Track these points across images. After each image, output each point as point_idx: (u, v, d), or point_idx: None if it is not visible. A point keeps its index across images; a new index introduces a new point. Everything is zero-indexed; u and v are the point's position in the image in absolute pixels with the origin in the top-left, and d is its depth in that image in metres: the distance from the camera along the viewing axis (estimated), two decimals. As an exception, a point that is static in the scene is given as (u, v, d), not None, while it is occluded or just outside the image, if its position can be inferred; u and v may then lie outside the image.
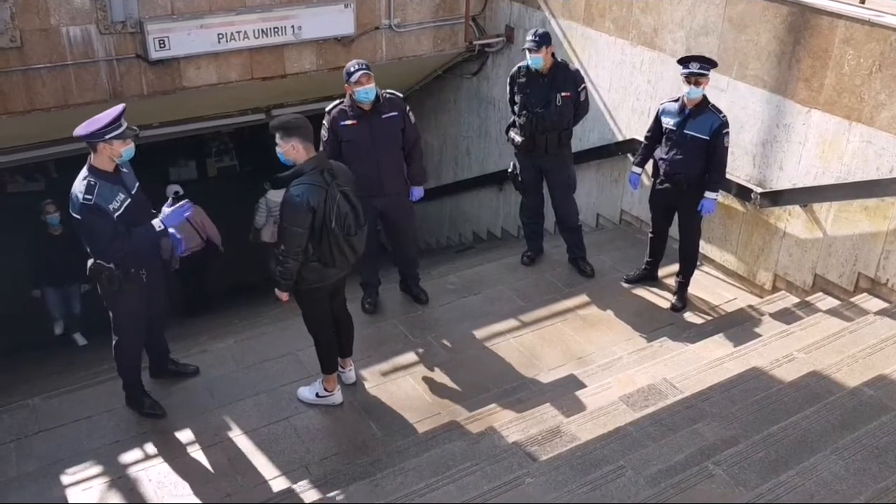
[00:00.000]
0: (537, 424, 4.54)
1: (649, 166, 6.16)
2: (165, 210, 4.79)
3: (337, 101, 5.55)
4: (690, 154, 5.57)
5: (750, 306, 6.10)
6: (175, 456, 4.82)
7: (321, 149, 5.40)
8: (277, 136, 4.45)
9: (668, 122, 5.66)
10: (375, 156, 5.53)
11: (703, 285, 6.62)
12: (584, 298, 6.42)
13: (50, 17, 6.52)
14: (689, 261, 6.09)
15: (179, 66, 7.30)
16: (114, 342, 4.92)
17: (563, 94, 6.14)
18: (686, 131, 5.55)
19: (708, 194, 5.63)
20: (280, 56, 7.73)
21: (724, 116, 5.51)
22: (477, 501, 3.64)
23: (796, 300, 5.97)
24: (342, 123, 5.46)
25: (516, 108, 6.32)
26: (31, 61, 6.57)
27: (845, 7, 5.42)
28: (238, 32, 7.33)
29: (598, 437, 4.11)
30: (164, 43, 7.03)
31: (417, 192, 6.00)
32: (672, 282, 6.35)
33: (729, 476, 3.39)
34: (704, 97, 5.51)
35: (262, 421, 5.09)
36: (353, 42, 7.95)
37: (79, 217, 4.40)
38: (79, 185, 4.37)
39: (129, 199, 4.52)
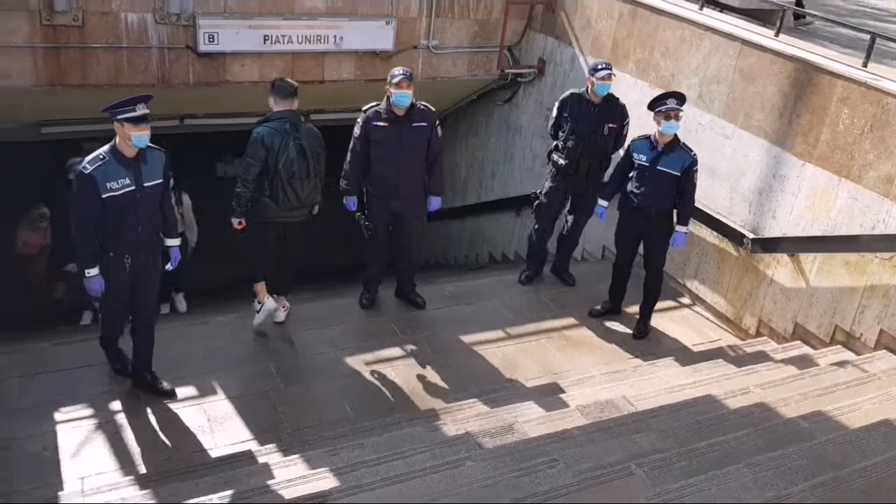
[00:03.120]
0: (496, 421, 4.79)
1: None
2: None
3: (374, 103, 5.92)
4: (662, 189, 5.81)
5: (730, 346, 6.29)
6: (161, 409, 5.18)
7: (351, 144, 5.90)
8: None
9: (641, 158, 5.89)
10: (398, 160, 5.89)
11: (692, 323, 6.82)
12: (572, 320, 6.66)
13: (112, 1, 7.09)
14: (653, 292, 6.31)
15: (225, 60, 7.82)
16: (100, 317, 5.28)
17: (610, 124, 6.46)
18: (659, 167, 5.77)
19: (679, 228, 5.87)
20: (320, 63, 8.21)
21: (695, 154, 5.75)
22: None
23: (775, 346, 6.14)
24: (374, 124, 5.83)
25: (563, 133, 6.58)
26: (90, 40, 7.14)
27: (845, 68, 5.66)
28: (283, 36, 7.83)
29: (544, 434, 4.36)
30: (213, 38, 7.56)
31: (435, 202, 6.30)
32: (667, 317, 6.61)
33: (647, 476, 3.62)
34: (676, 135, 5.76)
35: (246, 390, 5.43)
36: (391, 57, 8.38)
37: (74, 178, 4.66)
38: (90, 154, 4.58)
39: (135, 188, 4.62)
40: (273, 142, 5.35)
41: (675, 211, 5.92)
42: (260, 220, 5.59)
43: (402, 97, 5.72)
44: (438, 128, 6.04)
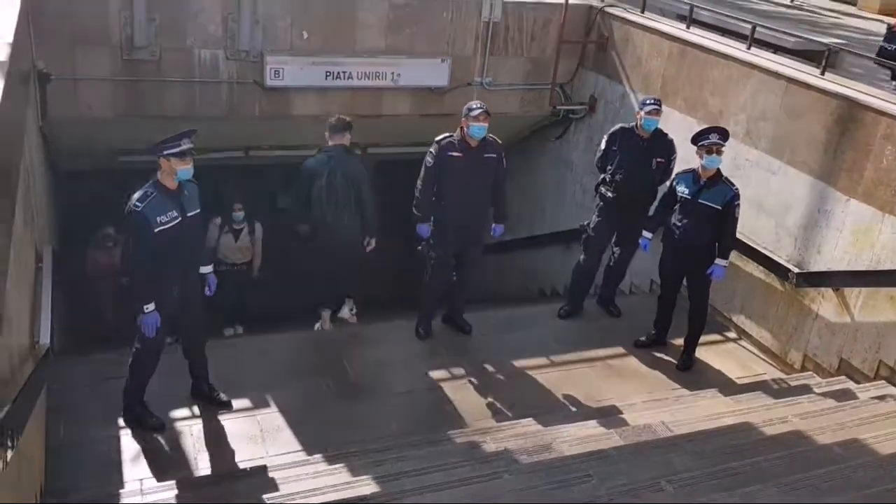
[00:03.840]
0: (534, 441, 4.93)
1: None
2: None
3: (447, 134, 6.18)
4: (702, 222, 5.90)
5: (774, 380, 6.31)
6: (216, 419, 5.47)
7: (423, 173, 6.19)
8: None
9: (683, 192, 6.01)
10: (470, 188, 6.17)
11: (737, 357, 6.86)
12: (616, 350, 6.76)
13: (186, 38, 7.60)
14: (697, 324, 6.37)
15: (289, 95, 8.24)
16: (132, 353, 5.14)
17: (658, 159, 6.61)
18: (700, 200, 5.88)
19: (718, 261, 5.93)
20: (378, 98, 8.59)
21: (737, 189, 5.83)
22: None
23: (819, 380, 6.14)
24: (449, 153, 6.10)
25: (611, 167, 6.75)
26: (166, 74, 7.64)
27: (889, 105, 5.74)
28: (344, 72, 8.23)
29: (580, 453, 4.50)
30: (278, 73, 8.00)
31: (499, 229, 6.58)
32: (713, 350, 6.69)
33: (675, 491, 3.73)
34: (718, 170, 5.85)
35: (298, 404, 5.70)
36: (445, 94, 8.71)
37: (125, 218, 4.76)
38: (137, 192, 4.72)
39: (180, 219, 4.82)
40: (313, 171, 6.29)
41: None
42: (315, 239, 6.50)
43: (480, 129, 5.98)
44: (504, 159, 6.29)
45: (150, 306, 4.84)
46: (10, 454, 2.83)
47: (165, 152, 4.69)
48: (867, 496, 3.62)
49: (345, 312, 7.19)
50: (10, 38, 4.97)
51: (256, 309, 8.72)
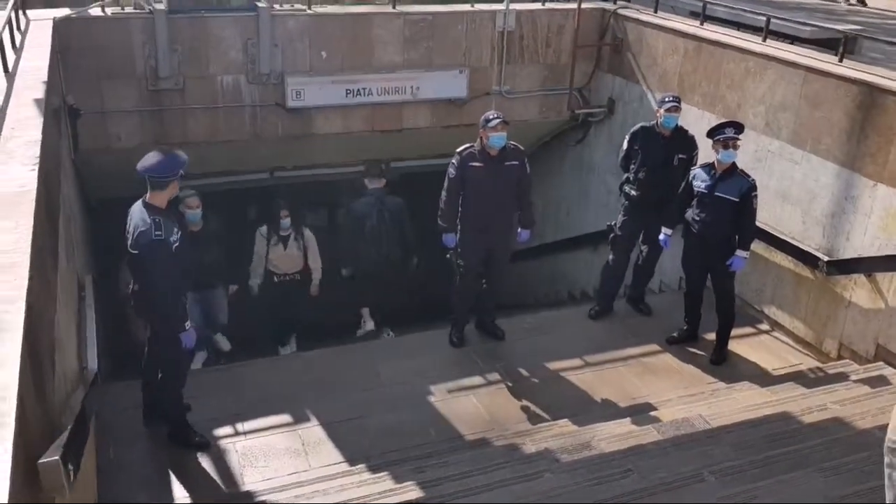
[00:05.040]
0: (573, 440, 4.99)
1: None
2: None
3: (468, 145, 6.25)
4: (721, 215, 5.92)
5: (810, 369, 6.29)
6: (260, 434, 5.57)
7: (446, 185, 6.25)
8: None
9: (700, 185, 6.04)
10: (493, 197, 6.23)
11: (772, 349, 6.84)
12: (649, 348, 6.77)
13: (209, 66, 7.77)
14: (726, 316, 6.37)
15: (311, 114, 8.38)
16: (163, 381, 5.25)
17: (680, 155, 6.63)
18: (717, 193, 5.90)
19: (739, 252, 5.94)
20: (399, 112, 8.70)
21: (753, 180, 5.85)
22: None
23: (857, 367, 6.11)
24: (470, 164, 6.17)
25: (633, 165, 6.81)
26: (190, 102, 7.83)
27: (910, 88, 5.73)
28: (363, 89, 8.37)
29: (620, 450, 4.54)
30: (300, 94, 8.15)
31: (525, 234, 6.62)
32: (746, 343, 6.68)
33: (718, 481, 3.76)
34: (734, 163, 5.88)
35: (338, 417, 5.77)
36: (465, 104, 8.81)
37: (146, 252, 4.66)
38: (144, 223, 4.64)
39: (181, 233, 4.86)
40: (363, 213, 7.79)
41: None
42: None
43: (499, 139, 6.04)
44: (527, 165, 6.35)
45: (189, 323, 5.01)
46: (73, 478, 2.94)
47: (181, 173, 4.79)
48: (910, 476, 3.62)
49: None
50: (45, 77, 5.15)
51: (307, 322, 8.56)
